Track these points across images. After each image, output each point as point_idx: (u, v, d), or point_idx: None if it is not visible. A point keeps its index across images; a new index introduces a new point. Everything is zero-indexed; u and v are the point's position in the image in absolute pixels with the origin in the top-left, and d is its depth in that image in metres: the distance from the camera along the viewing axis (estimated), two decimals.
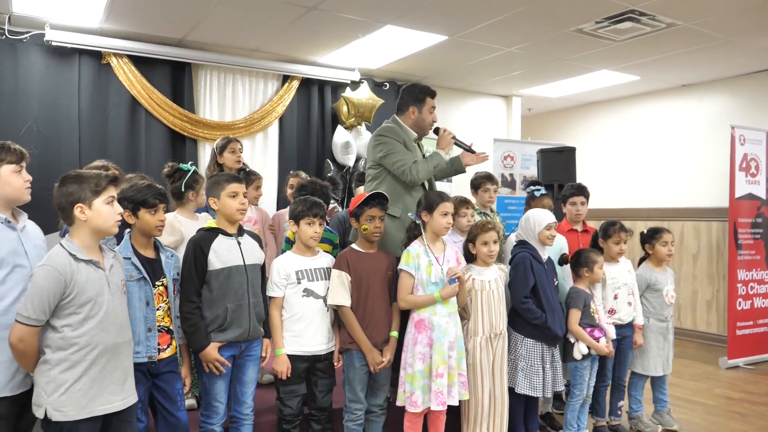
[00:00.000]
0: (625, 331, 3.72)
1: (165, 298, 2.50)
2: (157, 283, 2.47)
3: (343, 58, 5.94)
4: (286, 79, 6.07)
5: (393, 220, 3.31)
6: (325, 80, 6.22)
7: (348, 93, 6.15)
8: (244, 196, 2.75)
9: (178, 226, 3.17)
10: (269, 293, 2.87)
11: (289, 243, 3.54)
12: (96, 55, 5.19)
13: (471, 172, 4.08)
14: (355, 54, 5.82)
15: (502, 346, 3.25)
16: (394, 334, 3.02)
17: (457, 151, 3.54)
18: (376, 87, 6.47)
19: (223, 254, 2.64)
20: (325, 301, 2.93)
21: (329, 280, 2.97)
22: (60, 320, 2.01)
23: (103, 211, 2.10)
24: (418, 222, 3.08)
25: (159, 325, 2.46)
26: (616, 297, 3.72)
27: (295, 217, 2.95)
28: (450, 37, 5.24)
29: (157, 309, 2.46)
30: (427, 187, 3.51)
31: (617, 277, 3.75)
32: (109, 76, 5.24)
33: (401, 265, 3.00)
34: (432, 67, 6.30)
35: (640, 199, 7.37)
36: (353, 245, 3.07)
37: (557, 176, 5.40)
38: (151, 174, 5.16)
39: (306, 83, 6.17)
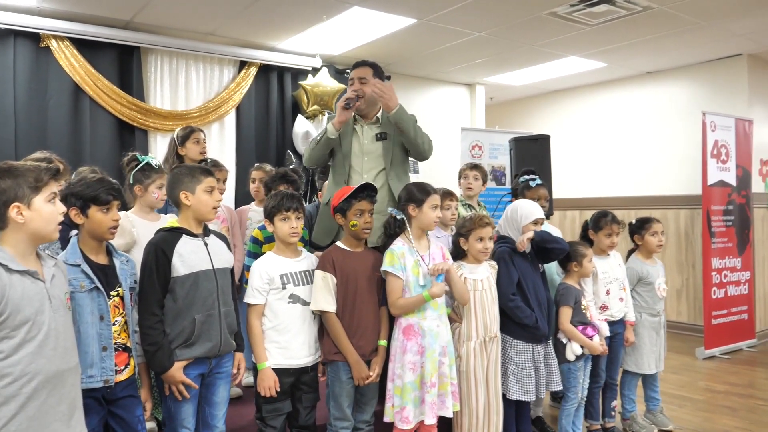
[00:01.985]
0: (617, 328, 3.55)
1: (121, 311, 2.14)
2: (111, 293, 2.11)
3: (303, 43, 5.59)
4: (243, 65, 5.66)
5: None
6: (284, 67, 5.84)
7: (307, 81, 5.79)
8: (219, 192, 2.42)
9: (129, 227, 2.79)
10: (248, 300, 2.55)
11: (257, 243, 3.21)
12: (33, 38, 4.67)
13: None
14: (316, 39, 5.49)
15: (496, 351, 3.01)
16: (383, 343, 2.74)
17: None
18: (338, 74, 6.13)
19: (188, 258, 2.30)
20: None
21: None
22: None
23: (45, 211, 1.74)
24: (399, 217, 2.80)
25: (115, 343, 2.10)
26: (608, 292, 3.54)
27: (269, 215, 2.63)
28: (419, 20, 4.97)
29: (113, 324, 2.10)
30: (357, 166, 3.21)
31: (608, 272, 3.57)
32: (48, 61, 4.73)
33: (386, 267, 2.71)
34: (396, 53, 6.02)
35: (607, 188, 7.31)
36: (338, 243, 2.77)
37: (531, 165, 5.19)
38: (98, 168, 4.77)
39: (264, 70, 5.78)
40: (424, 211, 2.77)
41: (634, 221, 3.86)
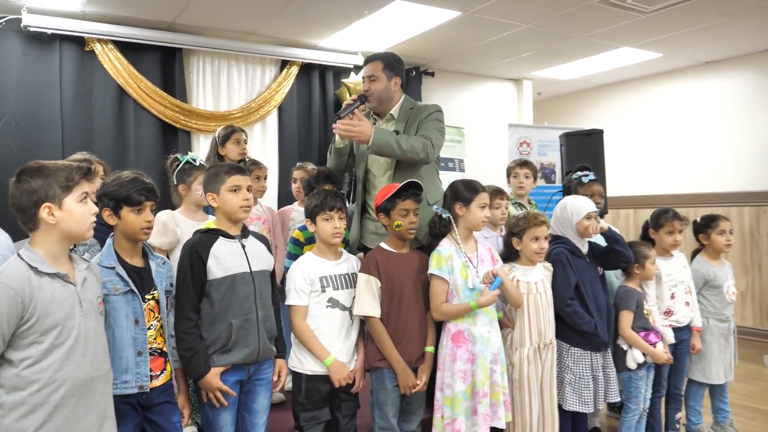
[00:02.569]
0: (682, 334, 3.29)
1: (156, 314, 2.06)
2: (147, 296, 2.03)
3: (345, 40, 5.49)
4: (284, 64, 5.61)
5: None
6: (326, 65, 5.76)
7: (350, 79, 5.69)
8: (248, 191, 2.31)
9: (172, 226, 2.74)
10: (291, 301, 2.43)
11: (297, 244, 3.10)
12: (78, 42, 4.71)
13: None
14: (358, 36, 5.38)
15: (551, 358, 2.81)
16: (430, 349, 2.58)
17: None
18: None
19: (224, 260, 2.20)
20: (350, 312, 2.50)
21: (356, 288, 2.54)
22: (17, 352, 1.57)
23: (77, 211, 1.68)
24: (445, 216, 2.64)
25: (150, 347, 2.02)
26: (672, 296, 3.29)
27: (311, 214, 2.52)
28: (464, 12, 4.80)
29: (148, 328, 2.01)
30: (361, 174, 3.09)
31: (673, 274, 3.32)
32: (93, 65, 4.77)
33: (432, 269, 2.56)
34: (440, 49, 5.86)
35: (663, 185, 6.96)
36: (382, 244, 2.63)
37: (584, 162, 4.94)
38: (141, 170, 4.78)
39: (306, 69, 5.71)
40: (472, 210, 2.61)
41: (698, 219, 3.59)
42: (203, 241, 2.20)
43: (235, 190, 2.26)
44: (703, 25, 5.21)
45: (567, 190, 3.77)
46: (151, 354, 2.01)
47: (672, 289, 3.31)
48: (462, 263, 2.56)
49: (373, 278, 2.50)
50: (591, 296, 2.92)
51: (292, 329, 2.43)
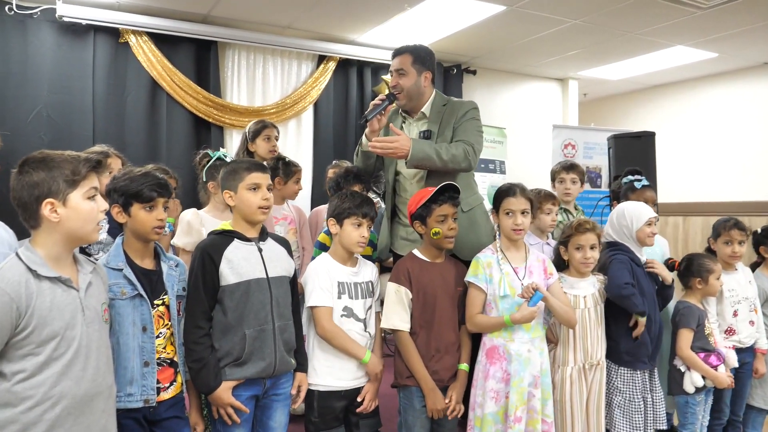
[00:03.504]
0: (745, 356, 2.97)
1: (166, 321, 1.89)
2: (156, 301, 1.86)
3: (384, 36, 5.30)
4: (321, 59, 5.45)
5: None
6: (364, 61, 5.58)
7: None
8: (269, 190, 2.13)
9: (197, 226, 2.59)
10: (313, 302, 2.23)
11: (324, 249, 2.87)
12: (113, 33, 4.64)
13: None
14: (397, 31, 5.18)
15: (599, 380, 2.55)
16: (464, 367, 2.36)
17: None
18: None
19: (238, 264, 2.02)
20: (365, 324, 2.30)
21: (371, 298, 2.35)
22: (10, 365, 1.42)
23: (83, 208, 1.51)
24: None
25: (159, 357, 1.85)
26: (735, 314, 2.99)
27: (338, 215, 2.32)
28: (508, 6, 4.55)
29: (157, 336, 1.85)
30: (392, 175, 2.84)
31: (736, 289, 3.01)
32: (127, 56, 4.69)
33: (468, 277, 2.35)
34: (482, 46, 5.61)
35: (716, 192, 6.54)
36: (415, 252, 2.42)
37: (633, 166, 4.63)
38: (172, 165, 4.66)
39: (343, 64, 5.53)
40: (500, 217, 2.40)
41: (759, 230, 3.28)
42: (216, 243, 2.03)
43: (254, 189, 2.08)
44: (763, 23, 4.86)
45: (616, 196, 3.51)
46: (159, 364, 1.85)
47: (735, 305, 3.01)
48: (502, 273, 2.33)
49: (404, 289, 2.30)
50: (653, 328, 2.67)
51: (320, 333, 2.23)
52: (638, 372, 2.65)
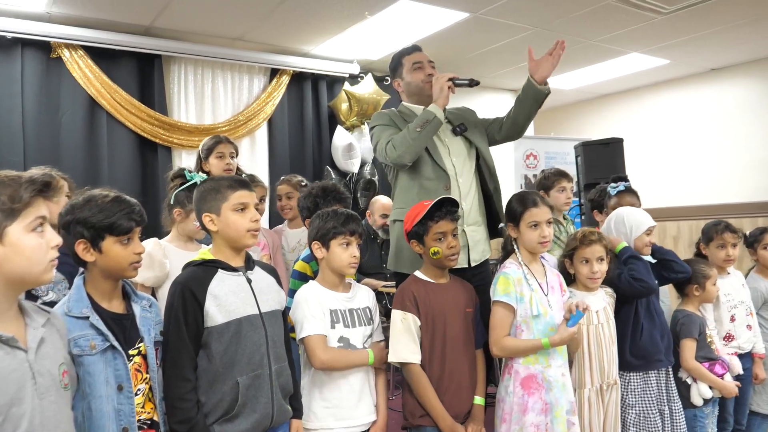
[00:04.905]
0: (744, 362, 2.90)
1: (144, 375, 1.56)
2: (131, 351, 1.53)
3: (339, 47, 5.06)
4: (274, 73, 5.14)
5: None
6: (319, 74, 5.31)
7: (350, 86, 5.25)
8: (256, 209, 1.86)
9: (160, 257, 2.26)
10: (306, 332, 1.96)
11: (304, 280, 2.45)
12: (44, 47, 4.19)
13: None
14: (353, 43, 4.96)
15: (615, 400, 2.39)
16: (480, 401, 2.12)
17: None
18: (378, 81, 5.59)
19: (226, 300, 1.72)
20: None
21: (370, 325, 2.10)
22: None
23: (27, 244, 1.18)
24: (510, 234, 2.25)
25: (138, 419, 1.52)
26: (732, 319, 2.91)
27: (323, 237, 2.06)
28: (472, 13, 4.41)
29: (135, 393, 1.52)
30: (450, 168, 2.51)
31: (731, 293, 2.95)
32: (60, 73, 4.25)
33: (498, 296, 2.12)
34: (440, 56, 5.43)
35: (670, 197, 6.62)
36: (417, 273, 2.17)
37: (603, 174, 4.58)
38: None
39: (298, 78, 5.25)
40: (522, 231, 2.19)
41: (747, 233, 3.24)
42: (198, 276, 1.72)
43: (241, 209, 1.79)
44: (712, 29, 4.97)
45: (597, 204, 3.38)
46: (139, 428, 1.52)
47: (731, 310, 2.94)
48: (533, 291, 2.12)
49: (411, 315, 2.05)
50: (655, 314, 2.55)
51: (319, 365, 1.96)
52: (653, 374, 2.49)
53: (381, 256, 4.33)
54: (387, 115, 2.62)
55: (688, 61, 5.97)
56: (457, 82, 2.48)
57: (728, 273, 3.01)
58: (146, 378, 1.56)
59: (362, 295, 2.15)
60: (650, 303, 2.56)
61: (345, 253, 2.04)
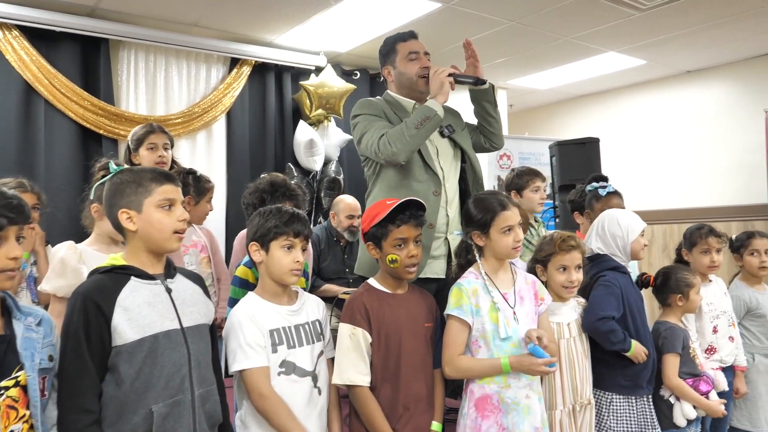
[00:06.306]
0: (725, 376, 2.71)
1: (22, 411, 1.26)
2: (4, 383, 1.23)
3: (305, 38, 4.78)
4: (234, 63, 4.81)
5: None
6: (283, 65, 4.99)
7: (309, 80, 4.95)
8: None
9: (74, 263, 1.96)
10: (241, 364, 1.68)
11: (246, 287, 2.19)
12: None
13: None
14: (319, 33, 4.67)
15: (589, 422, 2.17)
16: (437, 427, 1.87)
17: None
18: (345, 75, 5.31)
19: (139, 313, 1.44)
20: (315, 378, 1.76)
21: (320, 341, 1.83)
22: None
23: None
24: (469, 242, 1.98)
25: None
26: (714, 330, 2.74)
27: (262, 237, 1.79)
28: (445, 4, 4.17)
29: None
30: (439, 170, 2.32)
31: (714, 303, 2.77)
32: None
33: (450, 309, 1.88)
34: None
35: (646, 200, 6.49)
36: (371, 281, 1.91)
37: (579, 175, 4.39)
38: (52, 187, 3.90)
39: (260, 69, 4.93)
40: (494, 237, 1.93)
41: (733, 237, 3.07)
42: (104, 286, 1.44)
43: (167, 207, 1.52)
44: (689, 29, 4.83)
45: (577, 205, 3.18)
46: None
47: (714, 321, 2.77)
48: (491, 302, 1.87)
49: (361, 330, 1.80)
50: (641, 327, 2.36)
51: (258, 404, 1.68)
52: (635, 400, 2.29)
53: (344, 260, 4.06)
54: (375, 104, 2.40)
55: (664, 62, 5.83)
56: (458, 78, 2.33)
57: (710, 280, 2.84)
58: (24, 416, 1.26)
59: (310, 307, 1.88)
60: (649, 336, 2.37)
61: (287, 257, 1.78)
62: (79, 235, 2.22)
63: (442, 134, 2.39)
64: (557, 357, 1.97)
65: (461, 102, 2.67)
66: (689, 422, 2.44)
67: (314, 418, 1.74)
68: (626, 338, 2.25)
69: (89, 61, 4.21)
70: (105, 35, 4.17)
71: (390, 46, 2.47)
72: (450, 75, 2.28)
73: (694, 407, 2.42)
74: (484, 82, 2.40)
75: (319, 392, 1.77)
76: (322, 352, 1.83)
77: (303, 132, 4.90)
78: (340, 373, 1.77)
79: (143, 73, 4.43)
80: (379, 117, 2.31)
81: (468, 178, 2.41)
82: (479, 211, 1.96)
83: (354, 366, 1.76)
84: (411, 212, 1.89)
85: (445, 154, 2.36)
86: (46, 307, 1.86)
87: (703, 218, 5.68)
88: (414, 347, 1.84)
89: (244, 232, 3.24)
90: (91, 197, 2.07)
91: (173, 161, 2.86)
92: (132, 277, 1.47)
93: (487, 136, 2.56)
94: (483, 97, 2.47)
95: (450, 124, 2.42)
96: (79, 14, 4.08)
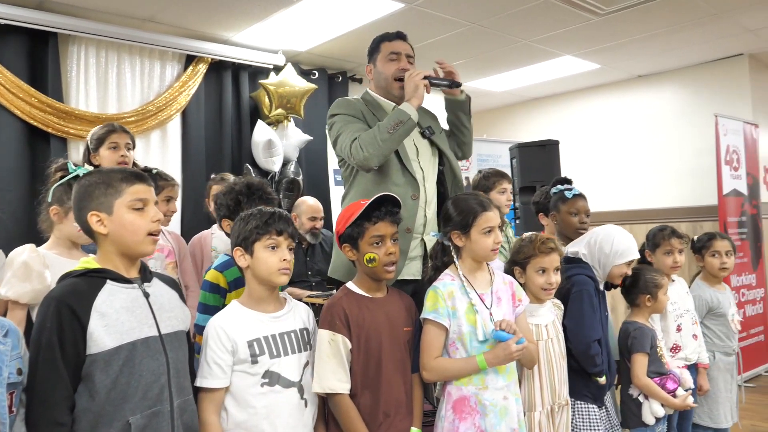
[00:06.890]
0: (690, 373, 2.79)
1: None
2: None
3: (263, 36, 4.68)
4: (190, 60, 4.67)
5: None
6: (241, 63, 4.88)
7: (269, 79, 4.85)
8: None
9: (38, 267, 1.83)
10: (200, 382, 1.60)
11: (217, 292, 2.09)
12: None
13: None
14: (278, 31, 4.60)
15: (565, 423, 2.18)
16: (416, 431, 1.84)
17: None
18: (303, 75, 5.22)
19: (117, 319, 1.36)
20: (301, 390, 1.70)
21: (308, 351, 1.77)
22: None
23: None
24: (446, 243, 1.95)
25: None
26: (678, 329, 2.80)
27: (245, 241, 1.72)
28: (407, 4, 4.16)
29: None
30: (418, 172, 2.27)
31: (678, 302, 2.85)
32: None
33: (426, 313, 1.85)
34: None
35: (600, 202, 6.65)
36: (350, 285, 1.86)
37: (539, 176, 4.46)
38: None
39: (216, 67, 4.80)
40: (474, 238, 1.91)
41: (695, 238, 3.16)
42: (80, 289, 1.35)
43: (140, 208, 1.44)
44: (643, 34, 4.99)
45: (542, 207, 3.19)
46: None
47: (678, 320, 2.84)
48: (468, 304, 1.85)
49: (341, 336, 1.75)
50: (604, 336, 2.37)
51: (200, 425, 1.58)
52: (602, 410, 2.34)
53: (306, 263, 3.98)
54: (353, 104, 2.33)
55: (617, 66, 6.00)
56: (433, 81, 2.28)
57: (673, 280, 2.91)
58: None
59: (297, 313, 1.81)
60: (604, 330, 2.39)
61: (272, 257, 1.70)
62: (26, 239, 2.08)
63: (423, 135, 2.35)
64: (521, 334, 1.93)
65: (435, 107, 2.64)
66: (657, 421, 2.49)
67: (297, 424, 1.67)
68: (601, 364, 2.28)
69: (37, 55, 3.99)
70: (54, 29, 3.96)
71: (375, 45, 2.42)
72: (425, 78, 2.23)
73: (662, 405, 2.48)
74: (459, 84, 2.37)
75: (306, 404, 1.70)
76: (308, 362, 1.77)
77: (261, 132, 4.79)
78: (320, 380, 1.71)
79: (94, 69, 4.23)
80: (355, 118, 2.24)
81: (447, 180, 2.37)
82: (460, 211, 1.94)
83: (334, 373, 1.71)
84: (387, 209, 1.85)
85: (424, 154, 2.33)
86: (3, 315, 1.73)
87: (656, 219, 5.87)
88: (394, 352, 1.80)
89: (199, 235, 3.17)
90: (49, 199, 1.95)
91: (134, 162, 2.74)
92: (108, 281, 1.38)
93: (458, 145, 2.55)
94: (459, 107, 2.44)
95: (430, 126, 2.39)
96: (27, 6, 3.87)
